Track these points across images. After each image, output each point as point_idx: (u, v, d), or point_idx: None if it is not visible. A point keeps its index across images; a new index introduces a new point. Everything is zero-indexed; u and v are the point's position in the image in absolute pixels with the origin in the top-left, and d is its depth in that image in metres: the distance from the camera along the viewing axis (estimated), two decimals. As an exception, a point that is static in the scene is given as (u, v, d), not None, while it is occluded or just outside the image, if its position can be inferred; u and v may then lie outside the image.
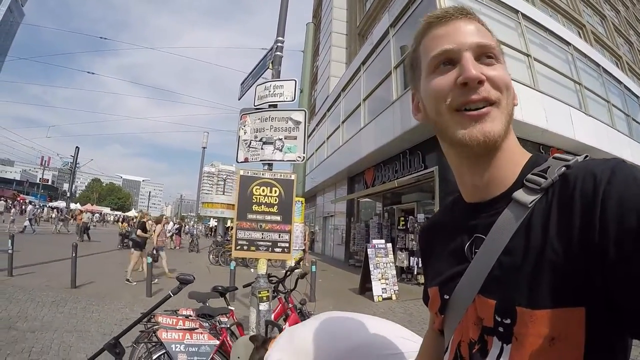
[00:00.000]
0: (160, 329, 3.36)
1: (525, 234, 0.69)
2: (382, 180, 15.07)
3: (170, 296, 2.49)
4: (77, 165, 39.49)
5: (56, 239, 20.54)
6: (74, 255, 8.69)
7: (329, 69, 24.96)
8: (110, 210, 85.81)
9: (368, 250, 10.46)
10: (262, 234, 3.38)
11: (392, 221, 15.55)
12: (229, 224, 41.43)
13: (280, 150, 3.55)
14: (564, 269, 0.63)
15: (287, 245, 3.43)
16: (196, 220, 43.42)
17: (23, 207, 39.94)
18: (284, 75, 4.23)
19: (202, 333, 3.39)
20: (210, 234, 45.78)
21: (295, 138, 3.61)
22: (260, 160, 3.70)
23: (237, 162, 3.79)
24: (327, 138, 21.83)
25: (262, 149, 3.62)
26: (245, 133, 3.80)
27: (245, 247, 3.41)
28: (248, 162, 3.67)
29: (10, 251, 9.21)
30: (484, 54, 0.75)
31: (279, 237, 3.40)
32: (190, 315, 3.67)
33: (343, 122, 18.72)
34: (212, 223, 55.70)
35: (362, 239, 17.18)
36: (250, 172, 3.53)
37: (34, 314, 6.35)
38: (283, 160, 3.58)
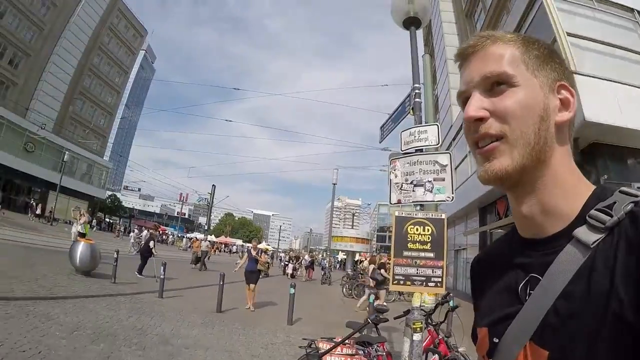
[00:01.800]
0: (324, 354, 3.66)
1: (586, 278, 0.64)
2: (516, 210, 14.41)
3: (369, 323, 2.92)
4: (214, 200, 42.98)
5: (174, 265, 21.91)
6: (221, 283, 9.62)
7: (449, 98, 24.57)
8: (242, 242, 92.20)
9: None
10: (417, 270, 3.63)
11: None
12: (357, 257, 41.86)
13: (431, 192, 3.80)
14: (629, 323, 0.56)
15: (439, 279, 3.63)
16: (327, 253, 44.68)
17: (164, 236, 44.64)
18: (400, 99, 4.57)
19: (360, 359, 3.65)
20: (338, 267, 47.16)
21: (443, 180, 3.82)
22: (413, 202, 3.96)
23: (391, 203, 4.11)
24: (455, 168, 21.32)
25: (413, 191, 3.89)
26: (396, 177, 4.12)
27: (402, 282, 3.67)
28: (401, 203, 3.99)
29: (162, 277, 10.35)
30: (494, 83, 0.74)
31: (432, 272, 3.62)
32: (347, 343, 3.95)
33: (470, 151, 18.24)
34: (341, 256, 56.96)
35: (496, 274, 16.53)
36: (405, 213, 3.83)
37: (185, 333, 7.00)
38: (434, 201, 3.83)
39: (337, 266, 49.99)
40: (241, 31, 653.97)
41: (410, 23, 4.66)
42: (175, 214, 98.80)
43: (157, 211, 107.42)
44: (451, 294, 6.02)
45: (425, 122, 4.50)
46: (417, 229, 3.69)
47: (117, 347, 5.43)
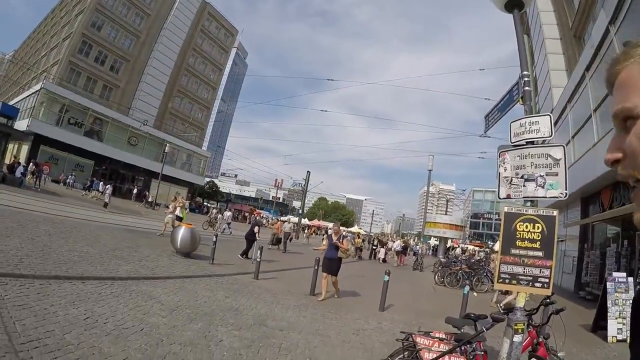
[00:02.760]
0: (423, 349, 3.65)
1: None
2: (622, 202, 12.95)
3: (483, 331, 2.90)
4: (309, 187, 44.18)
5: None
6: (315, 267, 9.83)
7: (549, 80, 22.76)
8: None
9: (607, 284, 9.23)
10: (524, 269, 3.42)
11: (633, 250, 13.27)
12: (449, 243, 40.80)
13: (543, 187, 3.57)
14: None
15: (547, 280, 3.40)
16: (420, 239, 44.27)
17: (256, 217, 46.37)
18: (498, 83, 4.26)
19: (459, 357, 3.57)
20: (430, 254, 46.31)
21: (556, 174, 3.58)
22: (523, 197, 3.75)
23: (500, 198, 3.90)
24: (556, 155, 19.84)
25: (524, 186, 3.68)
26: (505, 170, 3.92)
27: (507, 280, 3.51)
28: (510, 198, 3.79)
29: (258, 259, 10.69)
30: (630, 118, 0.64)
31: (540, 272, 3.39)
32: (445, 338, 3.89)
33: (573, 136, 16.70)
34: (432, 242, 56.05)
35: (596, 269, 15.20)
36: (514, 209, 3.61)
37: (280, 314, 7.16)
38: (545, 197, 3.61)
39: (430, 252, 48.93)
40: (330, 23, 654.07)
41: (514, 5, 4.31)
42: (270, 198, 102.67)
43: (253, 195, 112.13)
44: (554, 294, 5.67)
45: (553, 123, 4.12)
46: (526, 226, 3.47)
47: (215, 326, 5.70)
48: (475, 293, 13.28)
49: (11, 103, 47.47)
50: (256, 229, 14.69)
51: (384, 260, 26.27)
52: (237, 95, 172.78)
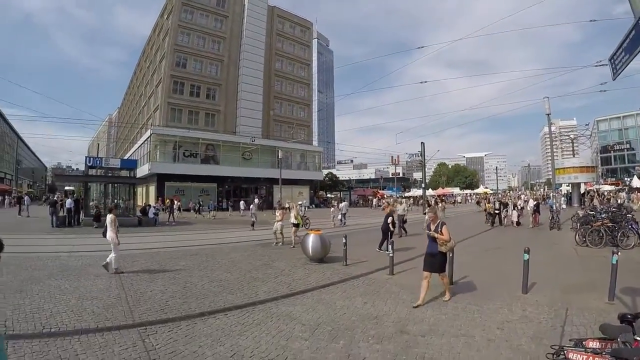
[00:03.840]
0: None
1: None
2: None
3: None
4: (426, 157, 42.93)
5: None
6: (451, 255, 8.68)
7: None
8: (459, 190, 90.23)
9: None
10: None
11: None
12: (582, 188, 36.10)
13: None
14: None
15: None
16: (552, 192, 40.05)
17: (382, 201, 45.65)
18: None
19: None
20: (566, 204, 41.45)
21: None
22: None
23: None
24: None
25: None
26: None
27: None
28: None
29: (391, 254, 9.98)
30: None
31: None
32: (600, 352, 3.20)
33: None
34: (564, 189, 50.83)
35: None
36: None
37: (420, 316, 6.52)
38: None
39: (565, 203, 43.41)
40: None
41: None
42: (390, 175, 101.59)
43: (372, 176, 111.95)
44: None
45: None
46: None
47: (356, 342, 5.44)
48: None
49: (127, 155, 55.75)
50: (390, 219, 13.90)
51: (518, 223, 23.43)
52: (332, 83, 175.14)
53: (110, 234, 10.44)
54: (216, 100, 51.18)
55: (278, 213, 16.37)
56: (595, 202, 32.12)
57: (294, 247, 14.62)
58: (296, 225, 15.54)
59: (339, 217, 26.06)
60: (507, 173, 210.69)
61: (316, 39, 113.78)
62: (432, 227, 7.59)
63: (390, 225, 13.74)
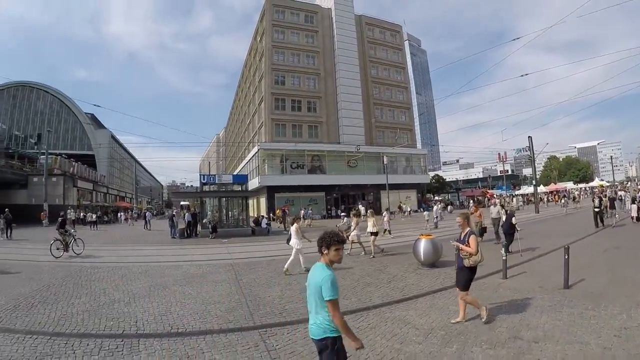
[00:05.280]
0: None
1: None
2: None
3: None
4: (534, 151, 40.59)
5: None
6: (566, 257, 8.41)
7: None
8: (573, 184, 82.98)
9: None
10: None
11: None
12: None
13: None
14: None
15: None
16: None
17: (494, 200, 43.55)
18: None
19: None
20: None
21: None
22: None
23: None
24: None
25: None
26: None
27: None
28: None
29: (504, 258, 9.80)
30: None
31: None
32: None
33: None
34: None
35: None
36: None
37: (535, 322, 6.33)
38: None
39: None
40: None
41: None
42: (498, 173, 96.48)
43: (480, 175, 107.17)
44: None
45: None
46: None
47: (469, 347, 5.47)
48: None
49: (237, 171, 61.85)
50: (513, 220, 13.58)
51: (638, 219, 20.84)
52: (429, 84, 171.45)
53: (294, 240, 12.13)
54: (317, 112, 53.15)
55: (353, 221, 15.52)
56: None
57: (373, 257, 13.99)
58: (374, 234, 14.74)
59: (435, 220, 25.74)
60: (623, 162, 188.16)
61: (407, 41, 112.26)
62: (462, 236, 6.83)
63: (516, 227, 13.32)
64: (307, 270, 11.12)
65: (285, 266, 11.62)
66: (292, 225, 12.91)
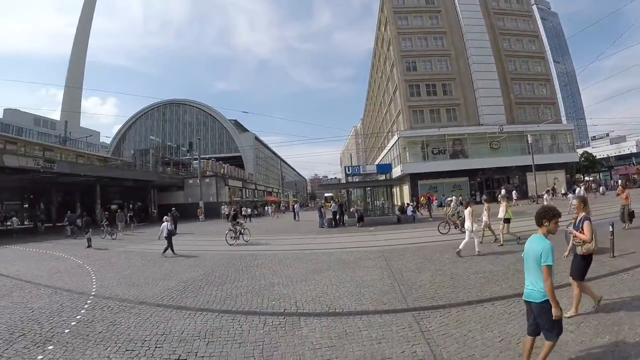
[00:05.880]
0: None
1: None
2: None
3: None
4: None
5: None
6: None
7: None
8: None
9: None
10: None
11: None
12: None
13: None
14: None
15: None
16: None
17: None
18: None
19: None
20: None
21: None
22: None
23: None
24: None
25: None
26: None
27: None
28: None
29: None
30: None
31: None
32: None
33: None
34: None
35: None
36: None
37: None
38: None
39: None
40: None
41: None
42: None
43: (634, 150, 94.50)
44: None
45: None
46: None
47: (622, 338, 5.19)
48: None
49: (378, 160, 62.80)
50: None
51: None
52: (566, 49, 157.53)
53: (468, 223, 11.93)
54: (454, 95, 51.49)
55: (485, 207, 14.25)
56: None
57: (502, 244, 13.21)
58: (507, 220, 13.68)
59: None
60: None
61: (535, 5, 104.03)
62: (577, 222, 6.44)
63: None
64: (480, 253, 11.24)
65: (460, 247, 11.60)
66: (465, 209, 12.54)
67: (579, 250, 6.28)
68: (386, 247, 14.73)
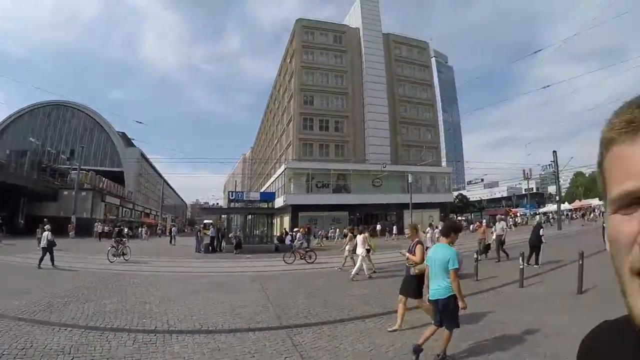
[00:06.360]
0: None
1: None
2: None
3: None
4: (560, 167, 40.61)
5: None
6: (580, 262, 9.16)
7: None
8: (599, 200, 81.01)
9: None
10: None
11: None
12: None
13: None
14: None
15: None
16: None
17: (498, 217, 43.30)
18: None
19: None
20: None
21: None
22: None
23: None
24: None
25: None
26: None
27: None
28: None
29: (521, 266, 10.63)
30: None
31: None
32: None
33: None
34: None
35: None
36: None
37: (546, 321, 7.05)
38: None
39: None
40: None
41: None
42: (523, 192, 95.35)
43: (505, 194, 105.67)
44: None
45: None
46: None
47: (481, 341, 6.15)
48: None
49: (262, 189, 62.22)
50: (541, 231, 14.56)
51: None
52: (455, 100, 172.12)
53: (360, 249, 13.39)
54: (344, 132, 54.02)
55: (348, 238, 16.32)
56: None
57: (375, 272, 14.31)
58: (367, 251, 14.38)
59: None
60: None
61: (434, 58, 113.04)
62: (410, 246, 7.31)
63: (542, 238, 14.29)
64: (370, 277, 12.77)
65: (353, 272, 12.83)
66: (360, 234, 14.07)
67: (412, 271, 6.91)
68: (263, 273, 15.46)
